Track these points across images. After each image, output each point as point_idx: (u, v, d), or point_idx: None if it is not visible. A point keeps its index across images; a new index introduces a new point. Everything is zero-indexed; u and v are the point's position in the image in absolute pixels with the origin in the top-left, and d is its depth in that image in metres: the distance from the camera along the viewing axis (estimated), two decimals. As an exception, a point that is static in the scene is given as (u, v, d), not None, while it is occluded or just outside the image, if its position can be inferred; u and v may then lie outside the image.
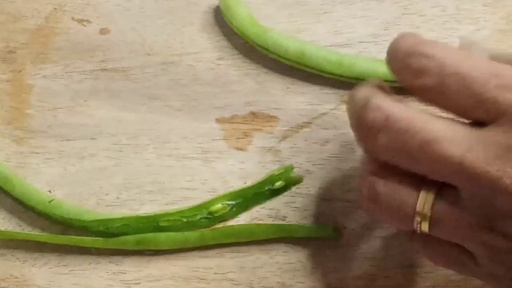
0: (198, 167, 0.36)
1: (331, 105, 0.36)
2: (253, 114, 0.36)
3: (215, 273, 0.34)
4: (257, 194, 0.35)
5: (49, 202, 0.35)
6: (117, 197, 0.35)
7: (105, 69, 0.37)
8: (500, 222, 0.25)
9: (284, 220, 0.35)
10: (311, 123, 0.36)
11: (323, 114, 0.36)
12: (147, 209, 0.35)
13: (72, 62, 0.38)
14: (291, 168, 0.35)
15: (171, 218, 0.34)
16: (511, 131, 0.24)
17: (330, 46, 0.36)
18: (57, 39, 0.38)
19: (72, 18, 0.38)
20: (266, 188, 0.35)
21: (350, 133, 0.35)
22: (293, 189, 0.35)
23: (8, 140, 0.37)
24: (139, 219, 0.34)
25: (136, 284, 0.34)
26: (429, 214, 0.26)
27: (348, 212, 0.34)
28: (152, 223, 0.34)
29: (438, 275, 0.33)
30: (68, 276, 0.35)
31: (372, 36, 0.37)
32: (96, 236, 0.34)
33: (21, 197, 0.35)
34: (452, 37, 0.37)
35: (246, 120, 0.36)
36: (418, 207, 0.26)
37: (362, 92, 0.28)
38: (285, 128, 0.36)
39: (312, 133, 0.36)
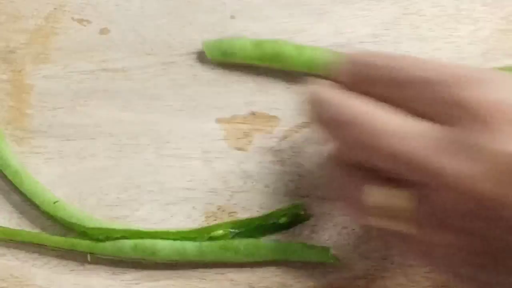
0: (198, 167, 0.36)
1: (331, 105, 0.36)
2: (253, 114, 0.36)
3: (215, 273, 0.34)
4: (261, 226, 0.34)
5: (54, 203, 0.35)
6: (117, 197, 0.35)
7: (105, 69, 0.37)
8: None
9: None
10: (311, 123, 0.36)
11: (323, 114, 0.36)
12: (147, 209, 0.35)
13: (72, 62, 0.38)
14: (299, 206, 0.34)
15: (171, 237, 0.34)
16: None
17: (330, 46, 0.36)
18: (57, 39, 0.38)
19: (72, 18, 0.38)
20: (271, 222, 0.34)
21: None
22: (292, 189, 0.35)
23: (8, 140, 0.37)
24: (139, 233, 0.34)
25: (136, 284, 0.34)
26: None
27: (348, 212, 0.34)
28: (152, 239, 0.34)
29: (438, 275, 0.33)
30: (68, 276, 0.35)
31: (372, 36, 0.37)
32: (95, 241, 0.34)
33: (28, 194, 0.35)
34: (452, 37, 0.37)
35: (246, 120, 0.36)
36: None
37: (321, 91, 0.28)
38: (285, 128, 0.36)
39: (312, 133, 0.36)
